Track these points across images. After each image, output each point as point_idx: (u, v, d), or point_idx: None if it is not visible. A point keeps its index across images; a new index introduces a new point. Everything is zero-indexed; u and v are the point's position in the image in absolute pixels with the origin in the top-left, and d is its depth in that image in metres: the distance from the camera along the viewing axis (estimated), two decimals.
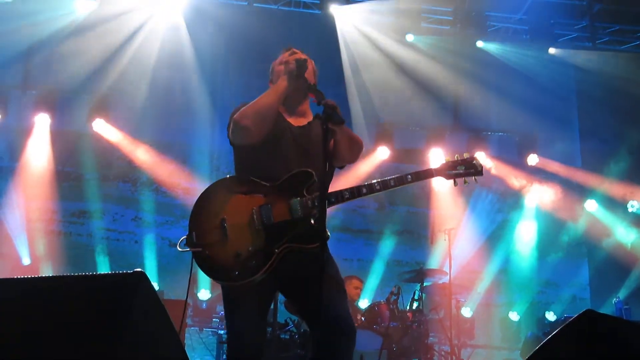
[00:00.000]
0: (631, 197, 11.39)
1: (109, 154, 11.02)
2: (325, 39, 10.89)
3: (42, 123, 10.50)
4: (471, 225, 11.43)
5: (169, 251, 10.80)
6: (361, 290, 8.99)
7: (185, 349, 3.20)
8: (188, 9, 10.79)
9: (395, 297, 7.90)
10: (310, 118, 3.77)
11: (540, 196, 11.70)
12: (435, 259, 10.66)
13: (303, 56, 3.70)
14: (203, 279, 9.91)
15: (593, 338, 2.60)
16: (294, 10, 11.34)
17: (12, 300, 2.68)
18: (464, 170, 3.73)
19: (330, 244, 3.45)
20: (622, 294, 10.45)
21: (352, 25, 11.29)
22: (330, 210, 3.36)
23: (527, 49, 11.59)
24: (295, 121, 3.69)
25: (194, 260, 3.35)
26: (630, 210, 11.43)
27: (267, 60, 4.01)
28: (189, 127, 11.27)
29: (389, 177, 3.56)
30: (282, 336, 7.33)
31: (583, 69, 11.65)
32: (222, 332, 8.42)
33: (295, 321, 7.34)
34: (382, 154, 11.26)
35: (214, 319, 9.69)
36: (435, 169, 3.71)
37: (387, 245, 11.53)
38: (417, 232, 11.77)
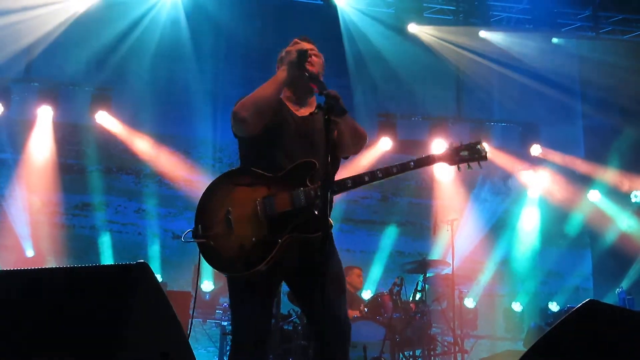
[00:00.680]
0: (635, 187, 11.37)
1: (111, 146, 11.02)
2: (327, 29, 10.87)
3: (44, 115, 10.48)
4: (474, 216, 11.43)
5: (172, 243, 10.81)
6: (362, 278, 9.02)
7: (189, 340, 3.20)
8: (191, 2, 10.77)
9: (398, 288, 7.90)
10: (314, 108, 3.76)
11: (542, 185, 11.68)
12: (438, 250, 10.67)
13: (306, 47, 3.67)
14: (206, 270, 9.91)
15: (596, 328, 2.60)
16: (296, 0, 11.31)
17: (16, 292, 2.69)
18: (467, 155, 3.65)
19: (333, 235, 3.46)
20: (625, 284, 10.45)
21: (354, 16, 11.26)
22: (336, 197, 3.36)
23: (530, 38, 11.55)
24: (299, 111, 3.69)
25: (200, 253, 3.37)
26: (633, 200, 11.42)
27: (268, 51, 4.00)
28: (191, 118, 11.26)
29: (391, 165, 3.54)
30: (285, 327, 7.34)
31: (586, 58, 11.61)
32: (225, 323, 8.44)
33: (298, 312, 7.35)
34: (385, 145, 11.23)
35: (217, 311, 9.70)
36: (438, 155, 3.65)
37: (389, 236, 11.53)
38: (419, 223, 11.76)
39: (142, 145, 10.89)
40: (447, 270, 8.53)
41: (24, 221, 10.45)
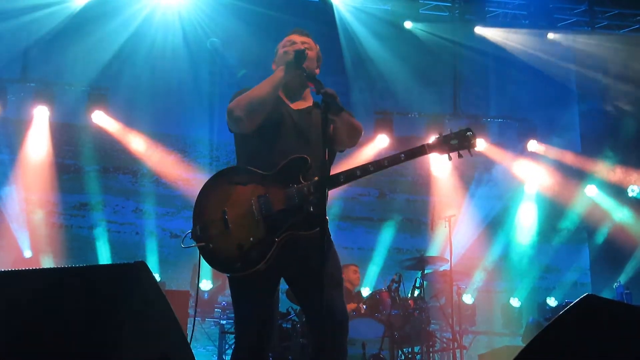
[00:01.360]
0: (631, 182, 11.39)
1: (108, 145, 11.00)
2: (323, 27, 10.85)
3: (41, 115, 10.46)
4: (471, 212, 11.43)
5: (170, 242, 10.80)
6: (359, 273, 9.02)
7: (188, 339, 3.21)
8: (187, 0, 10.76)
9: (397, 285, 7.91)
10: (310, 102, 3.79)
11: (539, 180, 11.69)
12: (436, 246, 10.67)
13: (303, 45, 3.69)
14: (204, 269, 9.90)
15: (594, 323, 2.61)
16: None
17: (14, 292, 2.69)
18: (457, 144, 3.58)
19: (330, 232, 3.47)
20: (622, 278, 10.47)
21: (350, 13, 11.26)
22: (330, 199, 3.36)
23: (526, 34, 11.55)
24: (295, 105, 3.71)
25: (200, 254, 3.39)
26: (630, 194, 11.44)
27: (265, 49, 4.01)
28: (187, 117, 11.26)
29: (382, 158, 3.53)
30: (284, 325, 7.35)
31: (582, 53, 11.61)
32: (224, 322, 8.47)
33: (297, 310, 7.36)
34: (381, 142, 11.24)
35: (216, 309, 9.73)
36: (428, 145, 3.58)
37: (387, 233, 11.53)
38: (417, 219, 11.77)
39: (139, 144, 10.88)
40: (445, 267, 8.54)
41: (21, 221, 10.44)
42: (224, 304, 9.30)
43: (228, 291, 5.65)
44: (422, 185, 11.69)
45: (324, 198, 3.08)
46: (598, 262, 11.96)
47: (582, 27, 11.84)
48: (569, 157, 11.77)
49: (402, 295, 8.01)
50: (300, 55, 3.55)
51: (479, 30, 11.58)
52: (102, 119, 10.62)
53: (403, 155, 3.51)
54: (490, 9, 11.62)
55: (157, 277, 9.94)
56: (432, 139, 3.65)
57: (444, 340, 8.49)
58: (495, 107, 12.11)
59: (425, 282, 8.32)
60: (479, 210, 11.56)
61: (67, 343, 2.54)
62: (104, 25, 10.43)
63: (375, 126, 11.24)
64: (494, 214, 11.74)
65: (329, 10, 11.12)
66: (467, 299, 10.56)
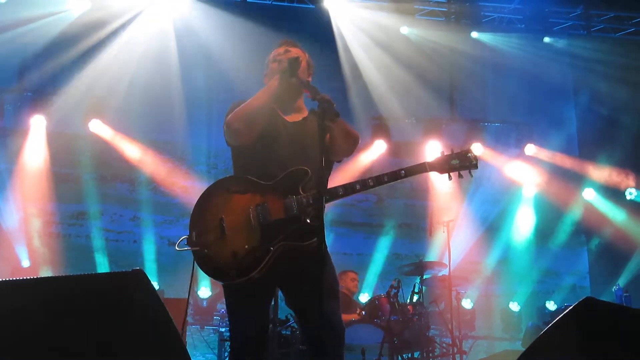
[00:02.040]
0: (629, 185, 11.40)
1: (106, 154, 10.99)
2: (319, 33, 10.87)
3: (38, 125, 10.47)
4: (470, 217, 11.43)
5: (168, 250, 10.78)
6: (358, 281, 9.01)
7: (187, 347, 3.21)
8: (182, 7, 10.78)
9: (396, 291, 7.90)
10: (305, 114, 3.78)
11: (537, 184, 11.70)
12: (435, 251, 10.66)
13: (296, 54, 3.70)
14: (203, 277, 9.87)
15: (593, 326, 2.61)
16: (287, 5, 11.34)
17: (12, 302, 2.68)
18: (458, 164, 3.64)
19: (329, 238, 3.47)
20: (621, 281, 10.46)
21: (346, 19, 11.28)
22: (327, 205, 3.36)
23: (522, 38, 11.59)
24: (290, 117, 3.71)
25: (194, 259, 3.38)
26: (628, 197, 11.45)
27: (262, 56, 4.01)
28: (185, 125, 11.24)
29: (382, 173, 3.54)
30: (283, 332, 7.34)
31: (578, 57, 11.64)
32: (223, 329, 8.45)
33: (296, 318, 7.34)
34: (379, 147, 11.25)
35: (215, 317, 9.69)
36: (429, 163, 3.64)
37: (386, 239, 11.52)
38: (415, 224, 11.76)
39: (136, 152, 10.88)
40: (444, 272, 8.53)
41: (19, 231, 10.42)
42: (222, 312, 9.26)
43: None
44: (421, 191, 11.68)
45: (321, 210, 3.09)
46: (597, 265, 11.96)
47: (578, 30, 11.87)
48: (566, 161, 11.78)
49: (401, 301, 8.00)
50: (294, 63, 3.56)
51: (475, 35, 11.62)
52: (99, 127, 10.62)
53: (403, 172, 3.55)
54: (486, 13, 11.65)
55: (156, 285, 9.93)
56: (433, 156, 3.68)
57: (444, 345, 8.47)
58: (493, 112, 12.13)
59: (424, 288, 8.32)
60: (477, 214, 11.55)
61: (65, 351, 2.53)
62: (99, 34, 10.43)
63: (372, 132, 11.26)
64: (492, 218, 11.74)
65: (325, 16, 11.14)
66: (467, 303, 10.55)
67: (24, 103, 10.60)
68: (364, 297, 10.44)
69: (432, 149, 10.99)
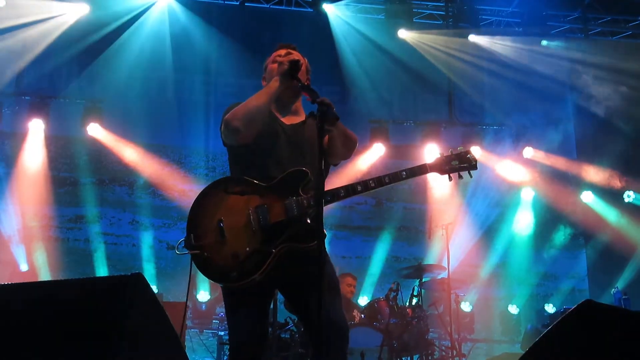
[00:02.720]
0: (627, 188, 11.41)
1: (104, 157, 11.00)
2: (318, 36, 10.89)
3: (36, 128, 10.48)
4: (468, 220, 11.44)
5: (166, 254, 10.78)
6: (354, 287, 8.98)
7: (186, 350, 3.20)
8: (180, 11, 10.80)
9: (395, 294, 7.89)
10: (303, 117, 3.77)
11: (535, 188, 11.72)
12: (434, 254, 10.67)
13: (296, 57, 3.69)
14: (202, 280, 9.91)
15: (592, 328, 2.61)
16: (285, 9, 11.35)
17: (11, 307, 2.68)
18: (458, 165, 3.69)
19: (328, 241, 3.47)
20: (620, 284, 10.47)
21: (344, 23, 11.30)
22: (327, 208, 3.36)
23: (520, 41, 11.60)
24: (288, 120, 3.70)
25: (192, 262, 3.35)
26: (626, 200, 11.46)
27: (260, 59, 4.01)
28: (183, 128, 11.26)
29: (383, 175, 3.55)
30: (283, 335, 7.33)
31: (576, 60, 11.66)
32: (222, 333, 8.43)
33: (295, 320, 7.34)
34: (377, 150, 11.26)
35: (214, 321, 9.68)
36: (430, 165, 3.68)
37: (385, 242, 11.52)
38: (414, 227, 11.76)
39: (135, 156, 10.88)
40: (443, 275, 8.53)
41: (17, 235, 10.41)
42: (221, 315, 9.25)
43: None
44: (419, 194, 11.69)
45: (320, 211, 3.08)
46: (595, 268, 11.97)
47: (576, 34, 11.90)
48: (564, 164, 11.80)
49: (400, 304, 7.99)
50: (294, 65, 3.55)
51: (473, 38, 11.63)
52: (97, 131, 10.62)
53: (404, 173, 3.58)
54: (483, 17, 11.67)
55: (154, 288, 9.91)
56: (433, 157, 3.71)
57: (443, 348, 8.46)
58: (490, 115, 12.15)
59: (423, 291, 8.30)
60: (475, 217, 11.57)
61: (64, 356, 2.52)
62: (96, 39, 10.45)
63: (371, 135, 11.27)
64: (490, 221, 11.75)
65: (323, 19, 11.15)
66: (466, 306, 10.54)
67: (22, 107, 10.61)
68: (363, 300, 10.43)
69: (431, 152, 11.00)
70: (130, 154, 10.86)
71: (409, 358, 7.88)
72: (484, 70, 11.87)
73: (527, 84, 11.59)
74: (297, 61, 3.57)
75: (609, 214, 11.61)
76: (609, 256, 11.42)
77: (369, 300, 9.40)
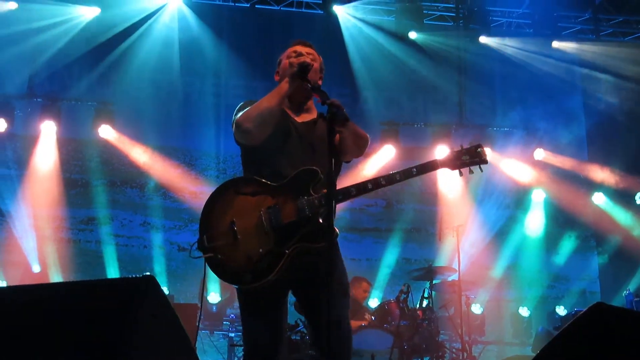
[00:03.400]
0: (639, 189, 11.34)
1: (115, 159, 11.04)
2: (328, 38, 10.90)
3: (48, 131, 10.53)
4: (479, 222, 11.40)
5: (178, 256, 10.81)
6: (369, 293, 8.98)
7: (197, 352, 3.20)
8: (190, 13, 10.84)
9: (405, 296, 7.89)
10: (314, 115, 3.78)
11: (546, 189, 11.67)
12: (444, 256, 10.64)
13: (309, 59, 3.69)
14: (212, 282, 9.92)
15: (604, 331, 2.59)
16: (296, 10, 11.37)
17: (23, 308, 2.69)
18: (468, 160, 3.67)
19: (338, 243, 3.46)
20: (632, 286, 10.42)
21: (355, 24, 11.30)
22: (338, 209, 3.36)
23: (531, 43, 11.57)
24: (299, 118, 3.71)
25: (206, 264, 3.36)
26: (638, 202, 11.39)
27: (270, 61, 4.02)
28: (194, 130, 11.29)
29: (394, 172, 3.55)
30: (293, 337, 7.33)
31: (587, 61, 11.61)
32: (232, 334, 8.45)
33: (305, 322, 7.33)
34: (388, 152, 11.25)
35: (224, 322, 9.71)
36: (440, 160, 3.67)
37: (395, 244, 11.51)
38: (425, 229, 11.73)
39: (146, 158, 10.91)
40: (453, 277, 8.51)
41: (29, 237, 10.47)
42: (232, 317, 9.28)
43: (236, 303, 5.64)
44: (430, 195, 11.67)
45: (332, 210, 3.07)
46: (607, 270, 11.91)
47: (587, 35, 11.85)
48: (576, 165, 11.75)
49: (411, 306, 7.98)
50: (304, 67, 3.55)
51: (484, 39, 11.61)
52: (108, 133, 10.67)
53: (415, 169, 3.57)
54: (494, 18, 11.65)
55: (166, 290, 9.94)
56: (443, 154, 3.69)
57: (454, 350, 8.44)
58: (501, 117, 12.11)
59: (433, 293, 8.29)
60: (486, 219, 11.53)
61: (75, 358, 2.54)
62: (108, 41, 10.52)
63: (381, 136, 11.25)
64: (501, 223, 11.71)
65: (334, 21, 11.16)
66: (476, 308, 10.50)
67: (34, 109, 10.67)
68: (373, 302, 10.42)
69: (441, 154, 10.96)
70: (142, 156, 10.90)
71: None
72: (494, 72, 11.84)
73: (538, 86, 11.57)
74: (307, 65, 3.57)
75: (621, 215, 11.55)
76: (620, 258, 11.36)
77: (379, 302, 9.39)
